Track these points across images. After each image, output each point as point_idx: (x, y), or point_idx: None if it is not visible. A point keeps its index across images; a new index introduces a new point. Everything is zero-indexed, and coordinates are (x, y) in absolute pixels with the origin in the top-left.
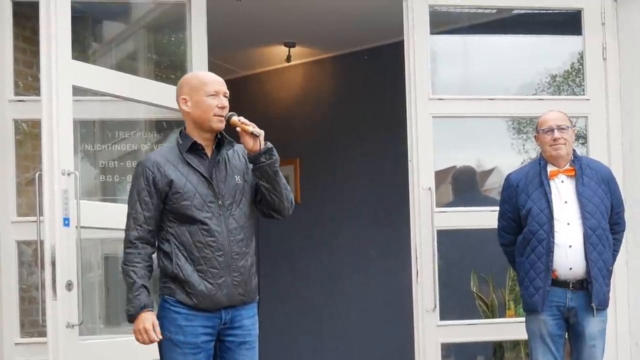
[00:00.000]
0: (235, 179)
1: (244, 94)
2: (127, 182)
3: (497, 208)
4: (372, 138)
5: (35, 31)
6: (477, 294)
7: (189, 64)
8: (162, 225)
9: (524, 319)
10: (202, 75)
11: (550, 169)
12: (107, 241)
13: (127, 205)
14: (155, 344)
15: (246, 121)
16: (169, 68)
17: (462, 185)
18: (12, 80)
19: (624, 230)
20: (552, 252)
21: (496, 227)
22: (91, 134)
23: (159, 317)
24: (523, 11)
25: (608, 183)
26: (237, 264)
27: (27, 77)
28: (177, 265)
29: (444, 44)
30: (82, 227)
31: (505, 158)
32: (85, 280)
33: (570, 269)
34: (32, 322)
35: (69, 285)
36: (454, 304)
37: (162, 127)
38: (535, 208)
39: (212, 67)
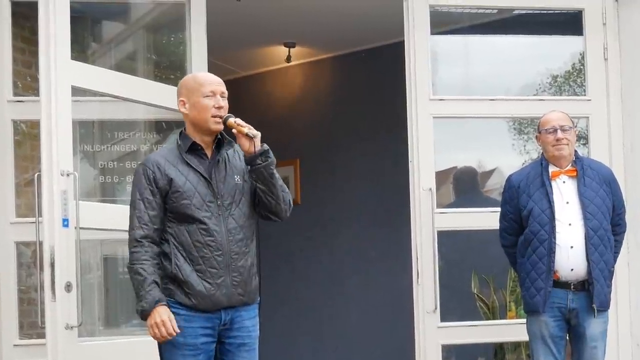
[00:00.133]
0: (235, 179)
1: (244, 94)
2: (126, 182)
3: (498, 209)
4: (372, 138)
5: (34, 31)
6: (477, 295)
7: (188, 64)
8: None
9: (524, 320)
10: (199, 76)
11: (551, 169)
12: (107, 242)
13: (128, 206)
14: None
15: (242, 123)
16: (169, 68)
17: (463, 186)
18: (10, 81)
19: (624, 232)
20: (554, 252)
21: (497, 228)
22: (90, 134)
23: None
24: (524, 11)
25: (609, 184)
26: (237, 263)
27: (26, 78)
28: (176, 265)
29: (444, 44)
30: (81, 228)
31: (506, 159)
32: (84, 282)
33: (572, 269)
34: (31, 323)
35: (68, 287)
36: (454, 305)
37: (161, 128)
38: (537, 209)
39: (212, 68)
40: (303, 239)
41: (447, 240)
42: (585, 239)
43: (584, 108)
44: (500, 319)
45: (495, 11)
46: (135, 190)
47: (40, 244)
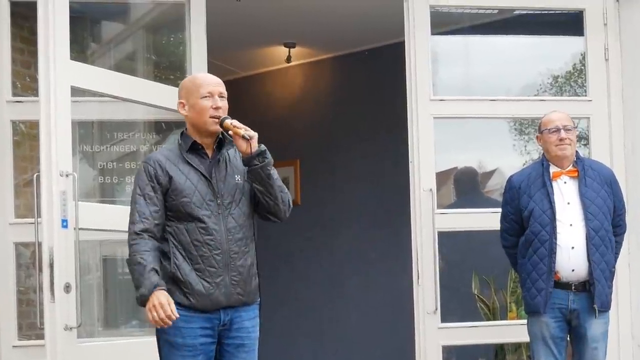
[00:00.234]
0: (236, 178)
1: (244, 94)
2: (125, 183)
3: (499, 210)
4: (372, 139)
5: (33, 31)
6: (478, 296)
7: (188, 65)
8: None
9: (525, 321)
10: (197, 77)
11: (552, 170)
12: (106, 243)
13: (128, 207)
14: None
15: (238, 124)
16: (168, 69)
17: (464, 187)
18: (9, 81)
19: (625, 232)
20: (555, 253)
21: (498, 228)
22: (90, 135)
23: None
24: (525, 11)
25: (610, 184)
26: (236, 263)
27: (25, 78)
28: (175, 264)
29: (445, 44)
30: (80, 228)
31: (507, 159)
32: (83, 283)
33: (573, 270)
34: (30, 324)
35: (67, 288)
36: (455, 306)
37: (161, 128)
38: (538, 209)
39: (212, 68)
40: (303, 239)
41: (448, 241)
42: (587, 239)
43: (585, 108)
44: (501, 319)
45: (495, 11)
46: (136, 186)
47: (39, 244)
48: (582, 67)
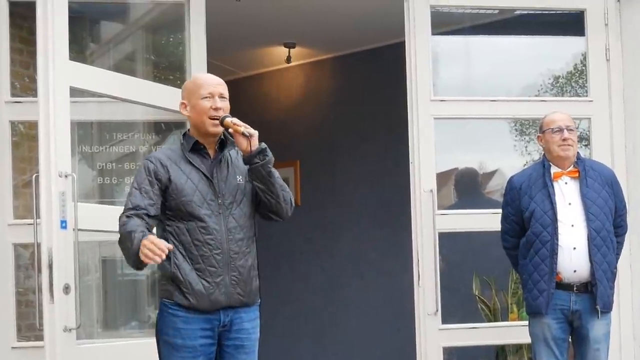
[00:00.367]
0: (237, 179)
1: (243, 95)
2: (125, 184)
3: (500, 210)
4: (372, 139)
5: (32, 32)
6: (479, 297)
7: (187, 65)
8: (161, 224)
9: (526, 322)
10: (198, 78)
11: (553, 170)
12: (105, 244)
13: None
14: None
15: (238, 122)
16: (168, 69)
17: (464, 188)
18: (8, 82)
19: (626, 233)
20: (556, 254)
21: (498, 229)
22: (89, 135)
23: (157, 321)
24: (525, 12)
25: (611, 185)
26: (236, 263)
27: (24, 78)
28: (175, 264)
29: (445, 44)
30: (79, 229)
31: (507, 160)
32: (82, 284)
33: (575, 271)
34: (29, 325)
35: (66, 289)
36: (455, 308)
37: (160, 129)
38: (539, 210)
39: (211, 68)
40: (303, 240)
41: (448, 241)
42: (588, 240)
43: (586, 109)
44: (502, 321)
45: (496, 11)
46: (134, 181)
47: (38, 245)
48: (583, 68)
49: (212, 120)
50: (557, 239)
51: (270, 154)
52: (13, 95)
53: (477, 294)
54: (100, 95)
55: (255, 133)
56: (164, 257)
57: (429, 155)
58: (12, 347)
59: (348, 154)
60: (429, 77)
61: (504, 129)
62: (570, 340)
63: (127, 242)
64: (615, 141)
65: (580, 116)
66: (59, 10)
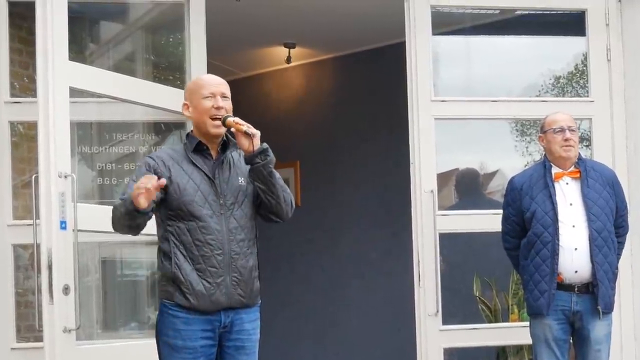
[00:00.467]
0: (239, 180)
1: (243, 95)
2: (125, 184)
3: (501, 211)
4: (373, 140)
5: (31, 32)
6: (480, 298)
7: (187, 65)
8: (162, 224)
9: (527, 323)
10: (200, 78)
11: (554, 171)
12: (105, 244)
13: None
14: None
15: (240, 121)
16: (168, 69)
17: (465, 188)
18: (8, 82)
19: (627, 233)
20: (557, 254)
21: (499, 230)
22: (88, 136)
23: (157, 322)
24: (526, 12)
25: (612, 185)
26: (237, 263)
27: (23, 79)
28: (176, 264)
29: (446, 44)
30: (79, 230)
31: (508, 160)
32: (82, 284)
33: (576, 271)
34: (29, 326)
35: (65, 289)
36: (456, 308)
37: (160, 129)
38: (540, 210)
39: (211, 68)
40: (304, 241)
41: (449, 242)
42: (590, 240)
43: (587, 109)
44: (503, 321)
45: (497, 12)
46: (132, 176)
47: (38, 246)
48: (584, 68)
49: (213, 121)
50: (558, 240)
51: (271, 154)
52: (12, 95)
53: (477, 294)
54: (100, 96)
55: (258, 133)
56: (157, 183)
57: (429, 156)
58: (12, 348)
59: (348, 155)
60: (429, 78)
61: (504, 129)
62: (571, 341)
63: (120, 207)
64: (616, 141)
65: (581, 116)
66: (58, 10)
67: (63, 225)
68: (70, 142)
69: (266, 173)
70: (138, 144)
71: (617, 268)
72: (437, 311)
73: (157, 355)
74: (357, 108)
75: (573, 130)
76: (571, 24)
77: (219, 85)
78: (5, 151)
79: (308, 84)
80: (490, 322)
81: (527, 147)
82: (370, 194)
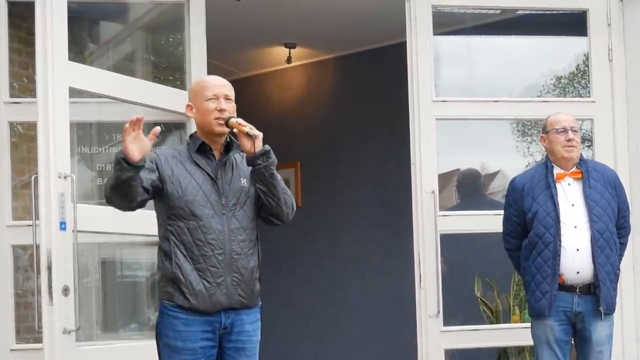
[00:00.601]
0: (242, 181)
1: (243, 95)
2: None
3: (502, 212)
4: (374, 140)
5: (30, 32)
6: (481, 299)
7: (187, 65)
8: (162, 223)
9: (529, 324)
10: (204, 80)
11: (556, 171)
12: (105, 245)
13: None
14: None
15: (243, 122)
16: (167, 69)
17: (466, 189)
18: (7, 82)
19: (629, 234)
20: (559, 255)
21: (501, 231)
22: (88, 136)
23: (157, 323)
24: (527, 12)
25: (614, 186)
26: (238, 264)
27: (23, 79)
28: (177, 264)
29: (447, 44)
30: (78, 231)
31: (509, 161)
32: (82, 285)
33: (578, 272)
34: (28, 327)
35: (65, 290)
36: (457, 309)
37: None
38: (542, 211)
39: (211, 68)
40: (304, 242)
41: (450, 243)
42: (591, 241)
43: (589, 110)
44: (504, 322)
45: (498, 11)
46: None
47: (37, 247)
48: (586, 68)
49: (216, 121)
50: (559, 241)
51: (273, 156)
52: (12, 95)
53: (479, 295)
54: (100, 96)
55: (260, 134)
56: (139, 121)
57: (430, 156)
58: (11, 350)
59: (349, 155)
60: (430, 78)
61: (506, 129)
62: (572, 342)
63: (113, 172)
64: (618, 142)
65: (583, 117)
66: (58, 10)
67: (63, 226)
68: (69, 143)
69: (267, 175)
70: None
71: (619, 269)
72: (438, 312)
73: (157, 357)
74: (357, 108)
75: (575, 131)
76: (573, 24)
77: (223, 87)
78: (5, 152)
79: (308, 84)
80: (491, 323)
81: (528, 148)
82: (371, 194)
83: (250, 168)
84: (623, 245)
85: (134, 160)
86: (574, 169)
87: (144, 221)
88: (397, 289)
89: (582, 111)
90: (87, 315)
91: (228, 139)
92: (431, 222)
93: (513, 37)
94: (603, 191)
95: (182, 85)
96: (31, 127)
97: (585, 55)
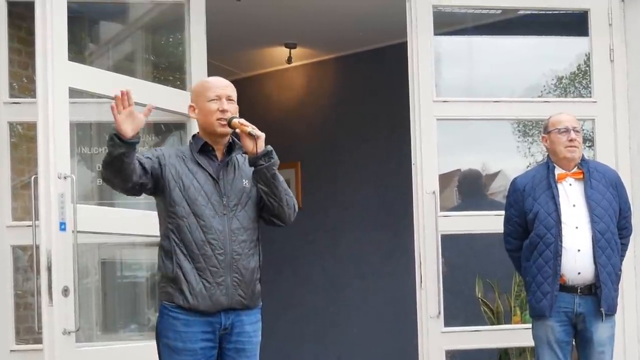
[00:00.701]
0: (244, 182)
1: (244, 96)
2: None
3: (503, 212)
4: (374, 140)
5: (30, 32)
6: (482, 299)
7: (187, 66)
8: (163, 221)
9: (530, 325)
10: (206, 80)
11: (558, 172)
12: (105, 246)
13: (126, 210)
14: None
15: (246, 122)
16: (168, 69)
17: (467, 189)
18: (7, 82)
19: (631, 235)
20: (560, 256)
21: (502, 231)
22: (88, 136)
23: (157, 324)
24: (529, 12)
25: (616, 187)
26: (238, 264)
27: (22, 79)
28: (177, 263)
29: (448, 45)
30: (78, 231)
31: (510, 161)
32: (82, 286)
33: (579, 273)
34: (28, 328)
35: (65, 291)
36: (458, 310)
37: (160, 130)
38: (543, 211)
39: (211, 69)
40: (305, 242)
41: (451, 244)
42: (593, 242)
43: (590, 110)
44: (505, 323)
45: (499, 12)
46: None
47: (37, 247)
48: (587, 68)
49: (219, 121)
50: (561, 241)
51: (275, 156)
52: (11, 96)
53: (480, 296)
54: (100, 96)
55: (262, 135)
56: (127, 95)
57: (431, 157)
58: (11, 350)
59: (350, 155)
60: (431, 78)
61: (507, 130)
62: (574, 343)
63: (107, 148)
64: (620, 142)
65: (584, 117)
66: (57, 10)
67: (62, 226)
68: (69, 143)
69: (270, 175)
70: (137, 145)
71: (620, 270)
72: (439, 313)
73: (157, 358)
74: (358, 108)
75: (577, 131)
76: (574, 24)
77: (225, 87)
78: (5, 152)
79: (309, 85)
80: (492, 324)
81: (529, 148)
82: (372, 194)
83: (252, 169)
84: (625, 246)
85: (126, 136)
86: (575, 169)
87: (144, 222)
88: (397, 289)
89: (583, 111)
90: (87, 316)
91: (230, 140)
92: (432, 222)
93: (514, 37)
94: (604, 191)
95: (182, 86)
96: (31, 127)
97: (586, 55)
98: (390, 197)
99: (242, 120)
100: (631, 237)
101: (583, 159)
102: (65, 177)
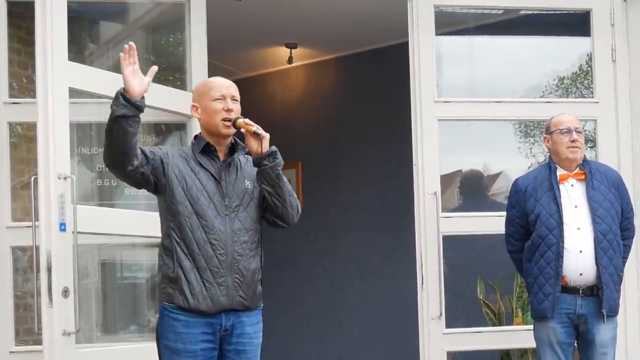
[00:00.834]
0: (246, 183)
1: (244, 96)
2: (124, 186)
3: (504, 213)
4: (376, 141)
5: (30, 32)
6: (483, 301)
7: (188, 66)
8: (164, 220)
9: (531, 326)
10: (210, 80)
11: (559, 172)
12: (105, 247)
13: (126, 210)
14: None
15: (250, 122)
16: (168, 69)
17: (468, 190)
18: (6, 82)
19: (633, 236)
20: (562, 257)
21: (503, 232)
22: (88, 137)
23: (158, 325)
24: (530, 12)
25: (618, 187)
26: (240, 265)
27: (22, 79)
28: (178, 262)
29: (449, 45)
30: (78, 232)
31: (512, 162)
32: (81, 287)
33: (581, 274)
34: (28, 329)
35: (65, 292)
36: (460, 311)
37: (160, 130)
38: (544, 212)
39: (211, 69)
40: (306, 243)
41: (452, 245)
42: (595, 243)
43: (592, 110)
44: (507, 325)
45: (501, 11)
46: None
47: (37, 248)
48: (589, 68)
49: (223, 122)
50: (562, 242)
51: (280, 157)
52: (11, 96)
53: (481, 297)
54: (100, 96)
55: (267, 135)
56: (132, 49)
57: (432, 157)
58: (10, 352)
59: (351, 156)
60: (432, 78)
61: (508, 130)
62: (575, 344)
63: (110, 112)
64: (622, 143)
65: (586, 117)
66: (57, 10)
67: (62, 227)
68: (69, 143)
69: (274, 175)
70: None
71: (622, 271)
72: (441, 314)
73: (157, 359)
74: (359, 109)
75: (579, 132)
76: (576, 24)
77: (229, 87)
78: (4, 152)
79: (310, 85)
80: (494, 325)
81: (531, 149)
82: (373, 195)
83: (255, 170)
84: (627, 247)
85: (134, 94)
86: (577, 170)
87: (144, 222)
88: (398, 290)
89: (585, 112)
90: (87, 317)
91: (233, 141)
92: (433, 223)
93: (516, 37)
94: (606, 192)
95: (182, 86)
96: (31, 127)
97: (588, 55)
98: (391, 198)
99: (247, 120)
100: (634, 239)
101: (585, 160)
102: (65, 178)
